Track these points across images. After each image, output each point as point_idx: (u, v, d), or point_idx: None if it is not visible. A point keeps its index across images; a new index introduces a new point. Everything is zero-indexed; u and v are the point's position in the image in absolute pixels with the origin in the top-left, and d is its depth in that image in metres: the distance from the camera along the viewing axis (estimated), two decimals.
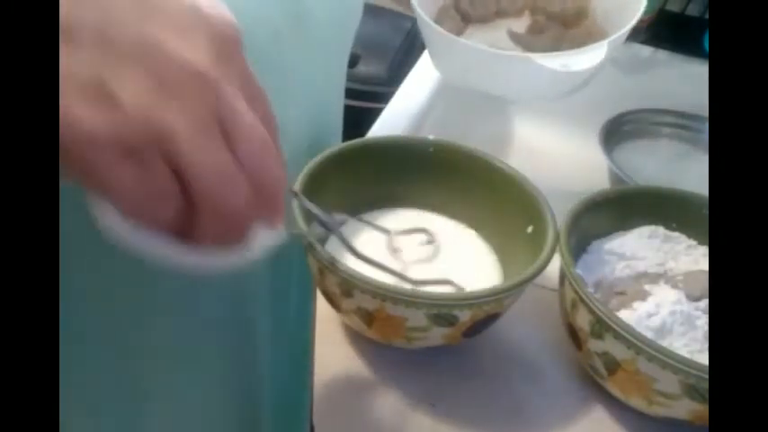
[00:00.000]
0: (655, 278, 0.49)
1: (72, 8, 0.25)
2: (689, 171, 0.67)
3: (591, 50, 0.57)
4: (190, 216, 0.28)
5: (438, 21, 0.68)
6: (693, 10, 0.96)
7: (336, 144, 0.59)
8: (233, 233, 0.29)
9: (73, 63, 0.24)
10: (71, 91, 0.24)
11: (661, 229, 0.52)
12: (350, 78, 1.25)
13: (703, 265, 0.51)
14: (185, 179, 0.27)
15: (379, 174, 0.54)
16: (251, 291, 0.57)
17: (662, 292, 0.47)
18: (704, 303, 0.47)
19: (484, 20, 0.69)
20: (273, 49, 0.47)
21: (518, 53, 0.60)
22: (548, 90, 0.62)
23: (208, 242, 0.29)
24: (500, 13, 0.69)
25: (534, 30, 0.66)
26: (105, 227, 0.28)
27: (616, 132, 0.68)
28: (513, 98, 0.67)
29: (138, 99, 0.25)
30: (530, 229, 0.50)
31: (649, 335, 0.44)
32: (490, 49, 0.59)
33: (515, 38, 0.66)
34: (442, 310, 0.43)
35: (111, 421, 0.59)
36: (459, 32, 0.68)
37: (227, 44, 0.28)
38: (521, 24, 0.67)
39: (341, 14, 0.54)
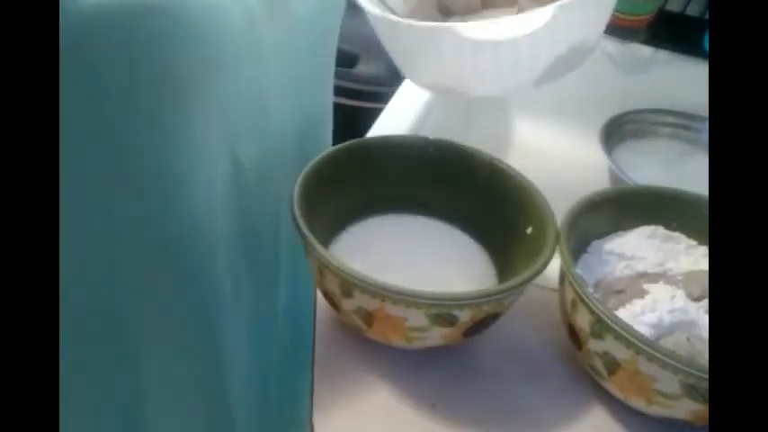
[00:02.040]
0: (655, 278, 0.49)
1: None
2: (689, 171, 0.67)
3: (531, 16, 0.48)
4: None
5: (412, 16, 0.64)
6: (693, 10, 0.96)
7: (329, 143, 0.59)
8: None
9: None
10: None
11: (661, 229, 0.52)
12: (350, 78, 1.25)
13: (703, 265, 0.51)
14: None
15: (379, 174, 0.54)
16: (232, 285, 0.57)
17: (662, 291, 0.47)
18: (704, 303, 0.47)
19: (467, 12, 0.63)
20: (249, 36, 0.46)
21: (440, 23, 0.51)
22: (501, 73, 0.54)
23: None
24: (487, 4, 0.63)
25: None
26: None
27: (616, 132, 0.68)
28: (468, 91, 0.57)
29: None
30: (529, 230, 0.50)
31: (649, 334, 0.44)
32: (406, 21, 0.52)
33: None
34: (442, 310, 0.43)
35: (111, 421, 0.59)
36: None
37: None
38: (509, 15, 0.61)
39: (321, 3, 0.54)
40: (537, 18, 0.48)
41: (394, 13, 0.59)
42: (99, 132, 0.43)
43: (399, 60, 0.61)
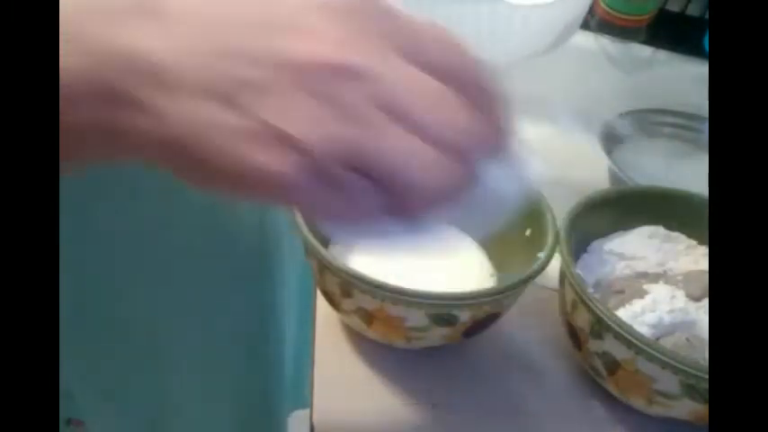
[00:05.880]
0: (655, 278, 0.49)
1: (202, 69, 0.25)
2: (689, 171, 0.66)
3: None
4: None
5: None
6: (693, 10, 0.96)
7: None
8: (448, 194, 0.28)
9: (229, 117, 0.25)
10: (242, 142, 0.25)
11: (661, 229, 0.52)
12: None
13: (703, 265, 0.51)
14: (384, 179, 0.26)
15: None
16: (264, 291, 0.58)
17: (662, 291, 0.47)
18: (704, 303, 0.47)
19: None
20: None
21: None
22: (526, 38, 0.56)
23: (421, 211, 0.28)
24: None
25: None
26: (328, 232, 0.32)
27: (616, 132, 0.68)
28: (491, 53, 0.62)
29: (303, 126, 0.25)
30: (528, 232, 0.50)
31: (649, 334, 0.44)
32: None
33: None
34: (442, 310, 0.43)
35: (139, 421, 0.60)
36: None
37: (352, 8, 0.27)
38: None
39: None
40: None
41: None
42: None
43: None
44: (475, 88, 0.28)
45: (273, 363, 0.63)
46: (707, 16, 0.95)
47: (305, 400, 0.69)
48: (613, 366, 0.43)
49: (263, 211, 0.53)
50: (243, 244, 0.53)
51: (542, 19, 0.54)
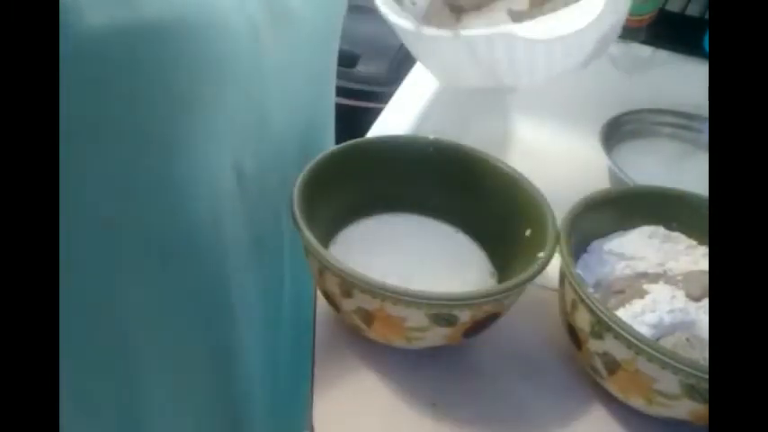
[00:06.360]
0: (655, 278, 0.49)
1: None
2: (689, 171, 0.67)
3: (584, 5, 0.47)
4: None
5: (427, 17, 0.64)
6: (693, 10, 0.96)
7: (331, 144, 0.59)
8: None
9: None
10: None
11: (661, 229, 0.52)
12: (350, 78, 1.25)
13: (703, 265, 0.51)
14: None
15: (379, 174, 0.54)
16: (239, 293, 0.57)
17: (662, 291, 0.47)
18: (704, 303, 0.47)
19: (479, 6, 0.61)
20: (253, 50, 0.47)
21: (496, 29, 0.50)
22: (553, 64, 0.54)
23: None
24: None
25: (536, 3, 0.57)
26: None
27: (616, 132, 0.68)
28: (517, 84, 0.57)
29: None
30: (528, 232, 0.50)
31: (649, 334, 0.44)
32: (462, 33, 0.52)
33: (516, 17, 0.58)
34: (442, 310, 0.43)
35: (111, 422, 0.59)
36: (453, 26, 0.62)
37: None
38: (522, 2, 0.59)
39: (322, 9, 0.54)
40: (591, 10, 0.47)
41: (410, 13, 0.59)
42: (102, 147, 0.43)
43: (435, 68, 0.60)
44: None
45: (248, 361, 0.62)
46: (707, 16, 0.95)
47: (303, 401, 0.69)
48: (613, 366, 0.44)
49: (216, 214, 0.52)
50: (193, 246, 0.52)
51: (564, 47, 0.51)
